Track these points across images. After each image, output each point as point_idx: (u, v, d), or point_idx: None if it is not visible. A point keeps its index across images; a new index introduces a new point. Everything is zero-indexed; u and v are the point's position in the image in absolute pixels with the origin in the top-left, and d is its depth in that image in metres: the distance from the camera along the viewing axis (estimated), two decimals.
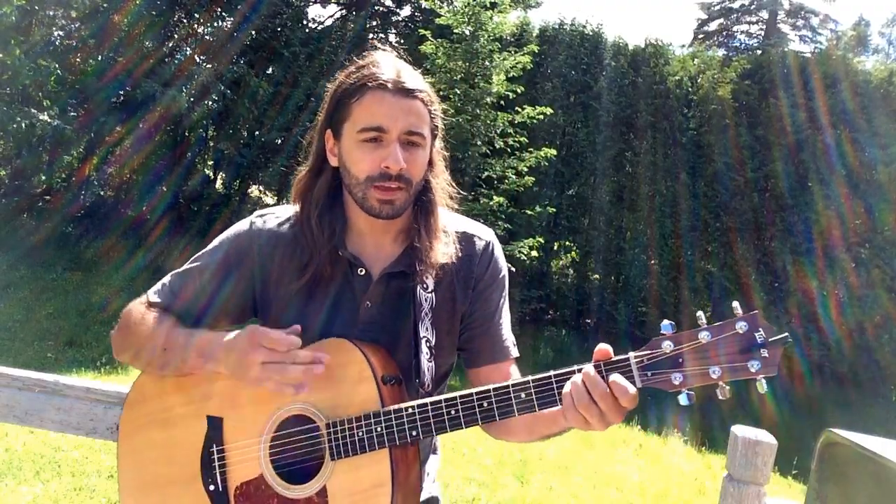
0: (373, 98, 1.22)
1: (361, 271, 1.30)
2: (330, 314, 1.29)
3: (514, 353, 1.37)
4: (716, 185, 12.45)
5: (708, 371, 1.02)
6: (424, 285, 1.29)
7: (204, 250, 1.38)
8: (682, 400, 1.03)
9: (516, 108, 9.60)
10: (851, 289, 11.97)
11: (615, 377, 1.04)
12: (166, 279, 1.38)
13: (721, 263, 12.32)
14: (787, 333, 1.01)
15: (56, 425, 1.62)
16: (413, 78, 1.25)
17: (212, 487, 1.25)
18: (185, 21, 10.89)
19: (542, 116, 9.61)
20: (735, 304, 1.04)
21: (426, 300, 1.30)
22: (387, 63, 1.26)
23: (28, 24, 8.72)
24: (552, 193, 12.49)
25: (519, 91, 9.45)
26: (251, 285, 1.33)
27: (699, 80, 13.20)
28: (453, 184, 1.40)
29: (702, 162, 12.69)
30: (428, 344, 1.29)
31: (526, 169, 9.58)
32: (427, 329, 1.29)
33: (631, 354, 1.07)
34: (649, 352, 1.06)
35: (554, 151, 9.92)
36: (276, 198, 13.25)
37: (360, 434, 1.16)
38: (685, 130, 12.77)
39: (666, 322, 1.07)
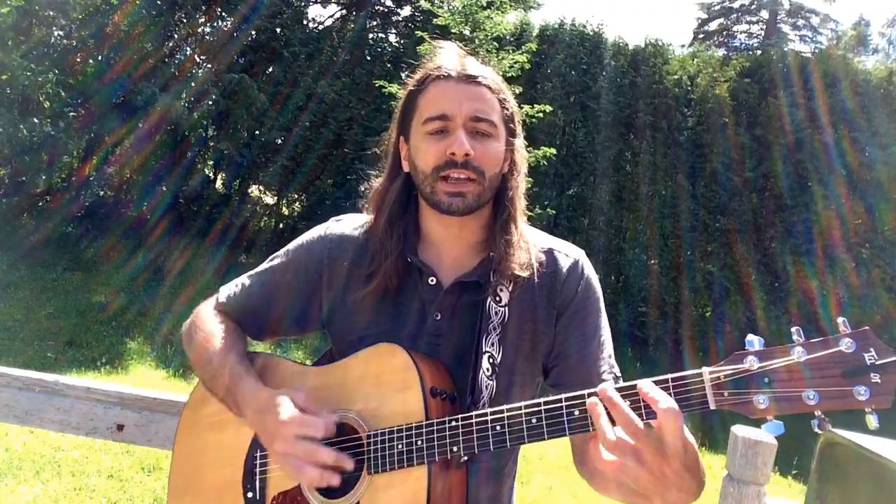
0: (436, 87, 1.17)
1: (432, 280, 1.20)
2: (396, 324, 1.21)
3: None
4: (714, 185, 12.45)
5: (801, 396, 0.84)
6: (497, 298, 1.19)
7: (279, 252, 1.34)
8: (769, 429, 0.86)
9: None
10: (852, 289, 11.97)
11: (645, 384, 0.88)
12: (240, 279, 1.35)
13: (721, 263, 12.32)
14: None
15: (56, 425, 1.62)
16: (477, 66, 1.19)
17: (250, 495, 1.21)
18: (184, 21, 10.88)
19: (541, 115, 9.60)
20: (842, 319, 0.85)
21: (496, 313, 1.18)
22: (450, 54, 1.21)
23: (28, 24, 8.72)
24: (552, 194, 12.49)
25: (517, 91, 9.44)
26: (319, 290, 1.28)
27: (698, 80, 13.19)
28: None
29: (701, 162, 12.69)
30: (491, 360, 1.17)
31: (526, 169, 9.58)
32: (493, 345, 1.17)
33: (705, 369, 0.90)
34: (728, 368, 0.89)
35: (553, 150, 9.91)
36: (275, 198, 13.23)
37: (400, 447, 1.06)
38: (683, 130, 12.77)
39: (752, 336, 0.90)
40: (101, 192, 10.29)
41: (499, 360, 1.18)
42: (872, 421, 0.83)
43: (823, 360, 0.84)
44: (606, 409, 0.89)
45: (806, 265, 11.95)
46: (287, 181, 12.13)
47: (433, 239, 1.24)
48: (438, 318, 1.20)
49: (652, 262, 12.48)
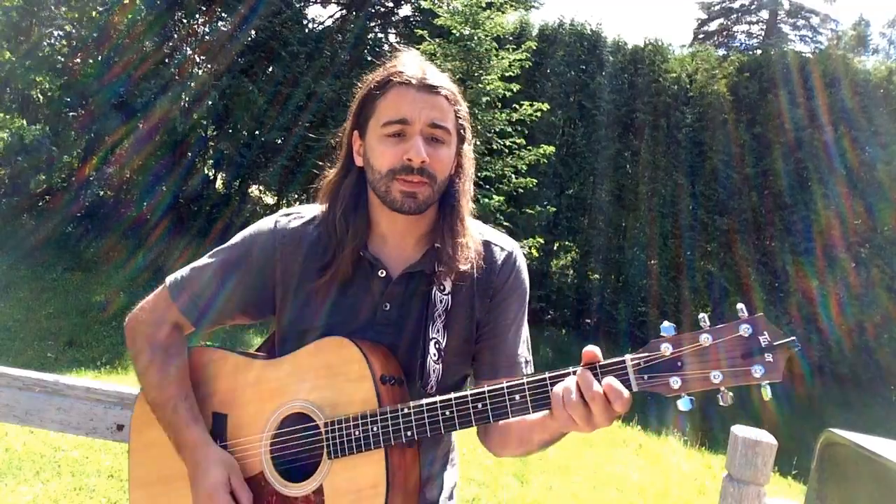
0: (397, 93, 1.24)
1: (382, 273, 1.29)
2: (348, 316, 1.29)
3: (526, 371, 1.33)
4: (714, 183, 12.44)
5: (709, 375, 0.99)
6: (441, 287, 1.29)
7: (225, 245, 1.37)
8: (683, 405, 1.00)
9: (514, 105, 9.57)
10: (851, 288, 11.95)
11: (610, 380, 1.01)
12: (185, 271, 1.37)
13: (721, 263, 12.31)
14: (793, 337, 0.97)
15: (56, 425, 1.62)
16: (437, 76, 1.28)
17: None
18: (184, 22, 10.88)
19: (539, 114, 9.58)
20: (740, 305, 1.00)
21: (441, 301, 1.29)
22: (412, 61, 1.28)
23: (28, 24, 8.71)
24: (551, 193, 12.48)
25: (514, 90, 9.43)
26: (271, 284, 1.33)
27: (696, 77, 13.18)
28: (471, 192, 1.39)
29: (700, 160, 12.66)
30: (437, 346, 1.27)
31: (525, 167, 9.58)
32: (438, 331, 1.28)
33: (627, 357, 1.04)
34: (646, 354, 1.03)
35: (553, 149, 9.90)
36: (276, 198, 13.22)
37: (357, 433, 1.16)
38: (682, 127, 12.74)
39: (666, 324, 1.03)
40: (101, 192, 10.29)
41: (444, 345, 1.29)
42: (767, 393, 0.96)
43: (725, 343, 1.00)
44: (580, 387, 1.03)
45: (805, 264, 11.94)
46: (287, 181, 12.12)
47: (382, 232, 1.32)
48: (388, 308, 1.29)
49: (652, 261, 12.47)
